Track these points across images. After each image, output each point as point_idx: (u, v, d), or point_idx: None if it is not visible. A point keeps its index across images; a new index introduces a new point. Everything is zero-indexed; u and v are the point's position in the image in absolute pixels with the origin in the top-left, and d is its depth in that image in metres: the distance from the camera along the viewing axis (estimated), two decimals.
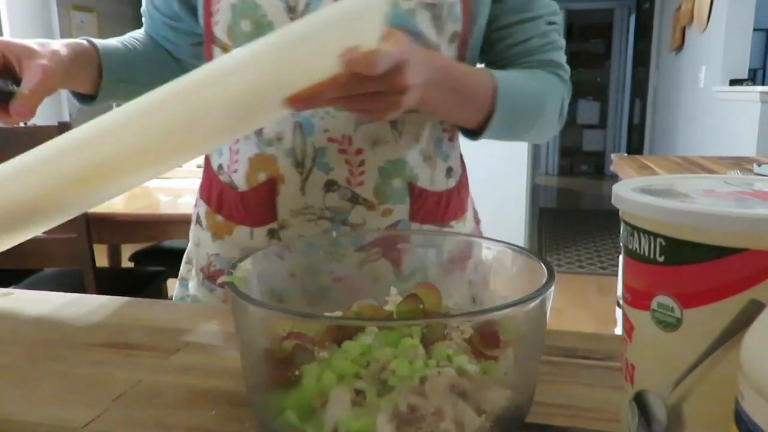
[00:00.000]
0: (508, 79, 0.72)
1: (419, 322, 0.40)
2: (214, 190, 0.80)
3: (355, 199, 0.72)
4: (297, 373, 0.36)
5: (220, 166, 0.79)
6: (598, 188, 7.20)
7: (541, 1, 0.77)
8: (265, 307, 0.36)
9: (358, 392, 0.35)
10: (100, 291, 1.75)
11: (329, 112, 0.70)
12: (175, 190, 2.07)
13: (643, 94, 6.36)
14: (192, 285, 0.83)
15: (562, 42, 0.82)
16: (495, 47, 0.79)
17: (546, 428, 0.41)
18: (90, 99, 0.80)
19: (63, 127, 1.61)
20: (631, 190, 0.32)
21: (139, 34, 0.87)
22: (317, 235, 0.72)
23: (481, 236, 0.72)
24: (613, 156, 2.62)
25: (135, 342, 0.56)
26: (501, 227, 3.93)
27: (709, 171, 1.96)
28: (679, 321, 0.29)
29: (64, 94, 4.83)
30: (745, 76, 4.03)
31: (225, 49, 0.72)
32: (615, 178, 3.07)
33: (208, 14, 0.72)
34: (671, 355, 0.29)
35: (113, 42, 0.81)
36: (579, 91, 8.26)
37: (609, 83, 8.02)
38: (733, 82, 3.94)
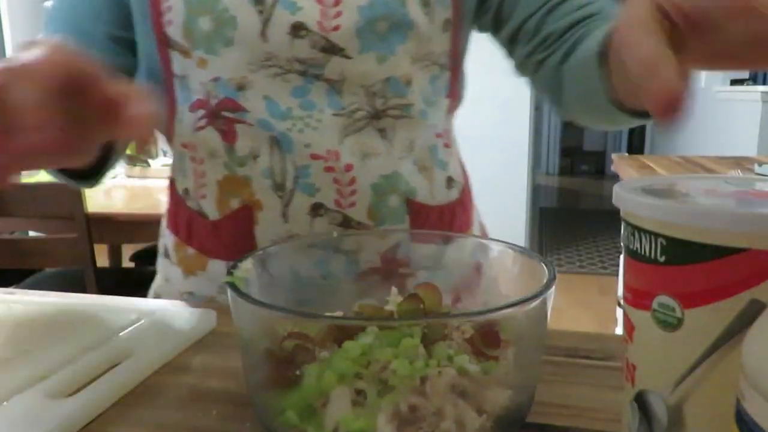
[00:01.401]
0: None
1: (420, 322, 0.40)
2: (181, 218, 0.70)
3: (347, 223, 0.63)
4: (297, 373, 0.36)
5: (186, 191, 0.69)
6: (599, 188, 7.20)
7: None
8: (265, 307, 0.36)
9: (359, 392, 0.34)
10: (101, 291, 1.75)
11: (309, 124, 0.61)
12: None
13: None
14: None
15: None
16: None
17: (546, 428, 0.41)
18: (92, 175, 0.67)
19: None
20: (632, 189, 0.32)
21: None
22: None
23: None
24: (613, 156, 2.62)
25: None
26: (502, 227, 3.92)
27: (710, 171, 1.96)
28: (680, 321, 0.28)
29: None
30: (746, 76, 4.03)
31: (185, 54, 0.61)
32: (616, 178, 3.07)
33: (158, 14, 0.61)
34: (672, 355, 0.29)
35: None
36: None
37: None
38: (734, 82, 3.94)
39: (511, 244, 0.47)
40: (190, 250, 0.67)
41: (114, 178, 2.36)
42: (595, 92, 0.56)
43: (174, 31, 0.60)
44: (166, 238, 0.72)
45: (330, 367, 0.35)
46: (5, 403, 0.42)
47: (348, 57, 0.60)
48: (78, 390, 0.44)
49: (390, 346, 0.35)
